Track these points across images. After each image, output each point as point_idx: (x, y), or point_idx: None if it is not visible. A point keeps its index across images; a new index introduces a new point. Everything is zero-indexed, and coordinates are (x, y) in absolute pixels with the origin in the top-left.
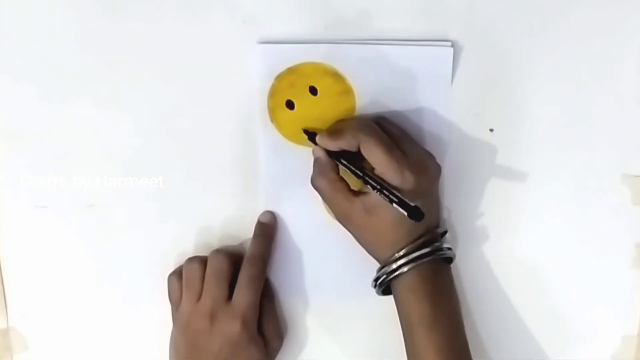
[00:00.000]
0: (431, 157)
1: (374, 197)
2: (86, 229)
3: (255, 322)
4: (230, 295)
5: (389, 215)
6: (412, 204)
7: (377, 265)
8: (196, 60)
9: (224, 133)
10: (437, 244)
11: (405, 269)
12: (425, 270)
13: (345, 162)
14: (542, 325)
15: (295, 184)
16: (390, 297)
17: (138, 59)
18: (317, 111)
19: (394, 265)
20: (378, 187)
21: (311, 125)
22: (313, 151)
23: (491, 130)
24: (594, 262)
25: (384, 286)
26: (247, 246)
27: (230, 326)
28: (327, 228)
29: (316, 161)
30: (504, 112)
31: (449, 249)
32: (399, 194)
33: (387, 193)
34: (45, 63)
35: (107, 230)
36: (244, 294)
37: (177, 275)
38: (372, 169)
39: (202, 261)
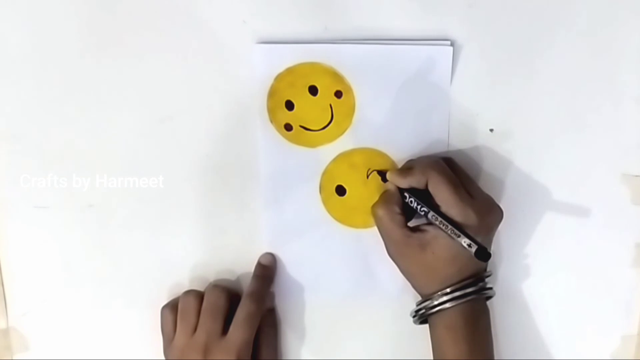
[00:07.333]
0: (494, 202)
1: (430, 233)
2: (86, 229)
3: (250, 358)
4: (224, 331)
5: (444, 252)
6: (481, 243)
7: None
8: (196, 60)
9: (224, 133)
10: (482, 284)
11: (448, 305)
12: (467, 310)
13: (413, 198)
14: (542, 325)
15: (295, 184)
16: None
17: (138, 59)
18: (317, 111)
19: (437, 301)
20: (445, 223)
21: (311, 126)
22: (384, 186)
23: (491, 130)
24: (594, 262)
25: (423, 319)
26: (244, 281)
27: None
28: (327, 228)
29: (384, 193)
30: (504, 112)
31: (490, 288)
32: (468, 232)
33: (455, 231)
34: (45, 63)
35: (107, 230)
36: (240, 331)
37: (171, 308)
38: (438, 206)
39: (198, 295)
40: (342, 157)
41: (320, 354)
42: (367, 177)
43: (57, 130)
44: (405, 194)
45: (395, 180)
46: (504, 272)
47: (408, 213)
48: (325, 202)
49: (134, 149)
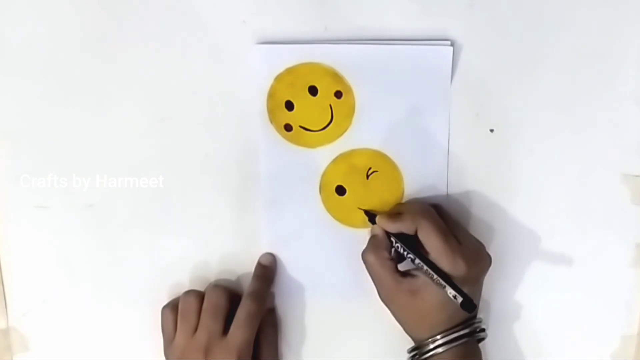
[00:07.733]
0: (483, 247)
1: (420, 279)
2: (86, 229)
3: (250, 358)
4: (225, 331)
5: (434, 299)
6: (467, 295)
7: None
8: (196, 61)
9: (224, 133)
10: (472, 329)
11: (440, 349)
12: (458, 352)
13: (402, 244)
14: (542, 325)
15: (294, 184)
16: None
17: (138, 59)
18: (317, 112)
19: (428, 348)
20: (433, 272)
21: (311, 126)
22: (371, 229)
23: (491, 130)
24: (594, 262)
25: None
26: (244, 281)
27: None
28: (327, 228)
29: (372, 237)
30: (504, 112)
31: (483, 330)
32: (453, 282)
33: (441, 279)
34: (46, 63)
35: (107, 230)
36: (241, 331)
37: (171, 308)
38: (427, 253)
39: (199, 295)
40: (342, 158)
41: (320, 354)
42: (367, 177)
43: (57, 130)
44: (392, 239)
45: (384, 225)
46: (503, 272)
47: (398, 254)
48: (325, 202)
49: (134, 149)
